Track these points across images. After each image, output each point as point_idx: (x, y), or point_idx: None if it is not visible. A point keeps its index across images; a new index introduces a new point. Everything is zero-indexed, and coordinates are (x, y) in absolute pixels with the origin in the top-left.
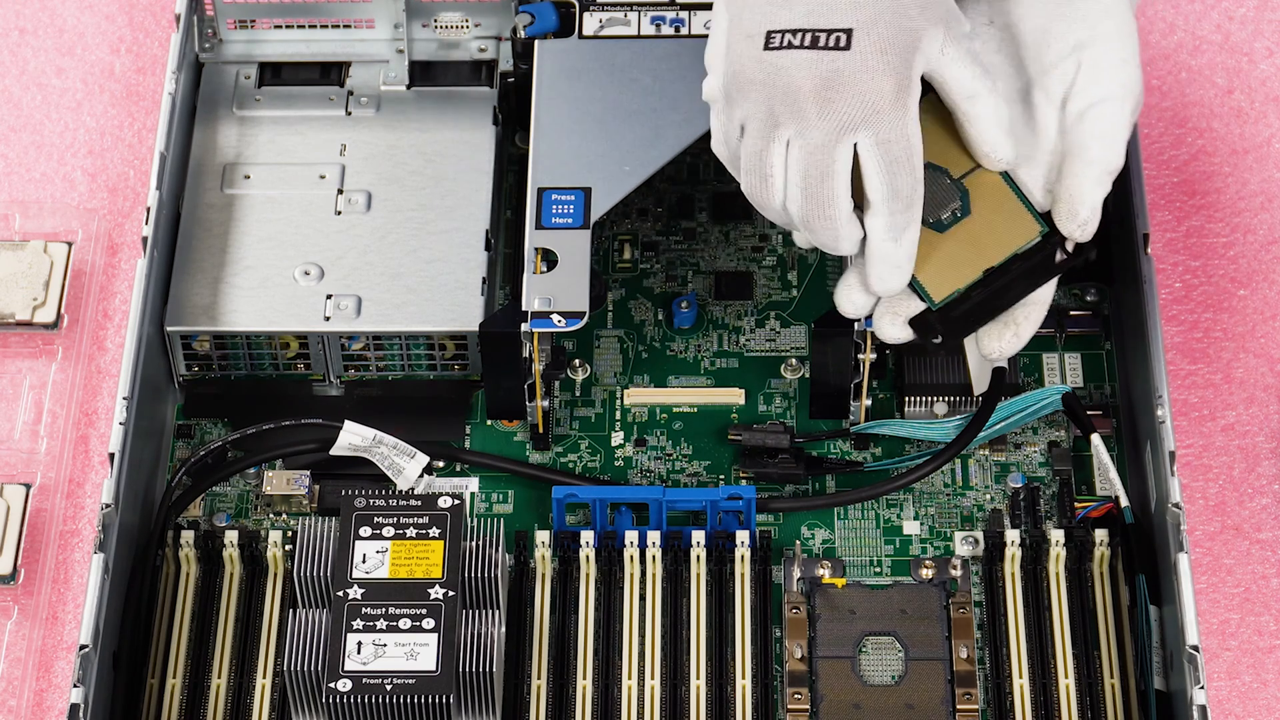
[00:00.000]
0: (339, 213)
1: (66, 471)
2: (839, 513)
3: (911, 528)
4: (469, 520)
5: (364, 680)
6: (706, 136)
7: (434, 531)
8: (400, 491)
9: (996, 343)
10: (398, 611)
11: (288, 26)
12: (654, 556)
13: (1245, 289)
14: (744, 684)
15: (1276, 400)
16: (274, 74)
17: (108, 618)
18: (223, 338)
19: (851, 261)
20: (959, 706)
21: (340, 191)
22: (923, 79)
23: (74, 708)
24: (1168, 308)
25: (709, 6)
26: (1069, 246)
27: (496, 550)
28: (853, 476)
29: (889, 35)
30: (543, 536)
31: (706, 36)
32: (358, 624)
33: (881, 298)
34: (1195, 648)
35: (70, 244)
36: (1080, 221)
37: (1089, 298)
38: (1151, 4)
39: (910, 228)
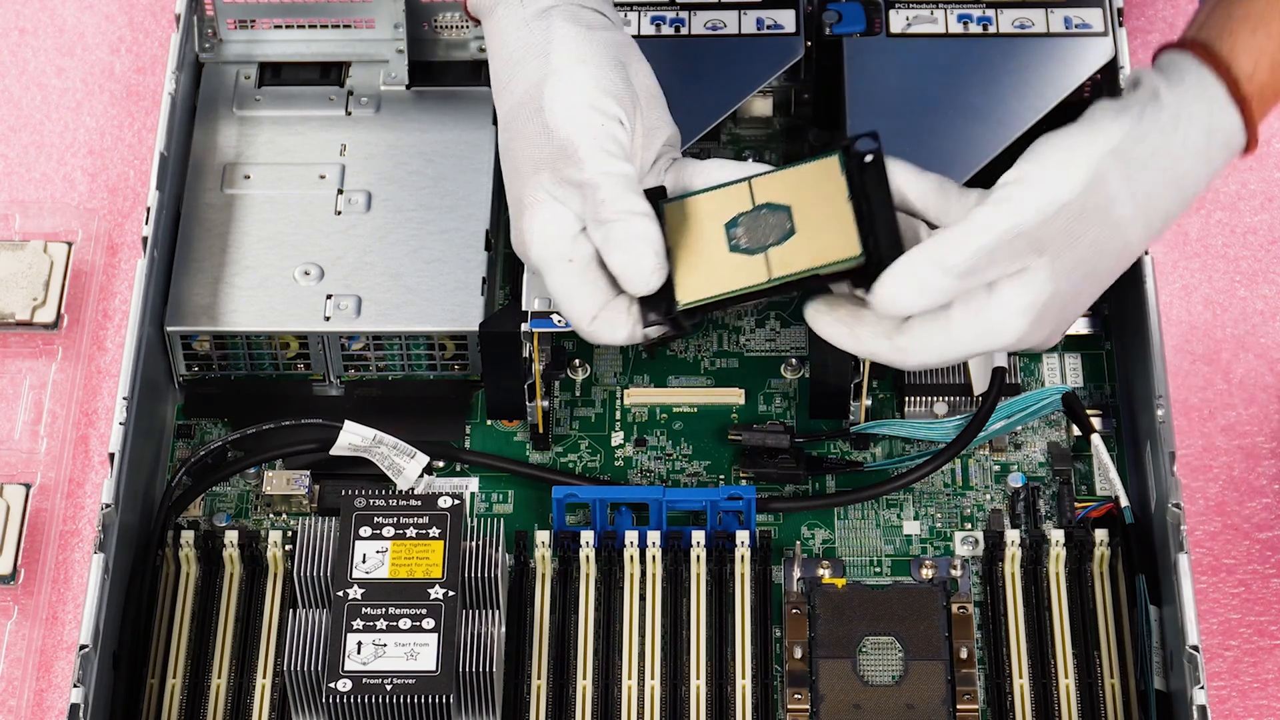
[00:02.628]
0: (339, 213)
1: (66, 471)
2: (839, 513)
3: (911, 528)
4: (469, 520)
5: (364, 680)
6: (707, 135)
7: (434, 531)
8: (400, 491)
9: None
10: (398, 611)
11: (288, 26)
12: (654, 556)
13: (1245, 289)
14: (744, 684)
15: (1276, 400)
16: (274, 74)
17: (108, 618)
18: (223, 338)
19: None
20: (959, 706)
21: (340, 191)
22: None
23: (74, 708)
24: (1168, 308)
25: (707, 6)
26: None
27: (496, 550)
28: (853, 476)
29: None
30: (543, 536)
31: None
32: (358, 624)
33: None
34: (1195, 648)
35: (70, 244)
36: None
37: None
38: (1152, 4)
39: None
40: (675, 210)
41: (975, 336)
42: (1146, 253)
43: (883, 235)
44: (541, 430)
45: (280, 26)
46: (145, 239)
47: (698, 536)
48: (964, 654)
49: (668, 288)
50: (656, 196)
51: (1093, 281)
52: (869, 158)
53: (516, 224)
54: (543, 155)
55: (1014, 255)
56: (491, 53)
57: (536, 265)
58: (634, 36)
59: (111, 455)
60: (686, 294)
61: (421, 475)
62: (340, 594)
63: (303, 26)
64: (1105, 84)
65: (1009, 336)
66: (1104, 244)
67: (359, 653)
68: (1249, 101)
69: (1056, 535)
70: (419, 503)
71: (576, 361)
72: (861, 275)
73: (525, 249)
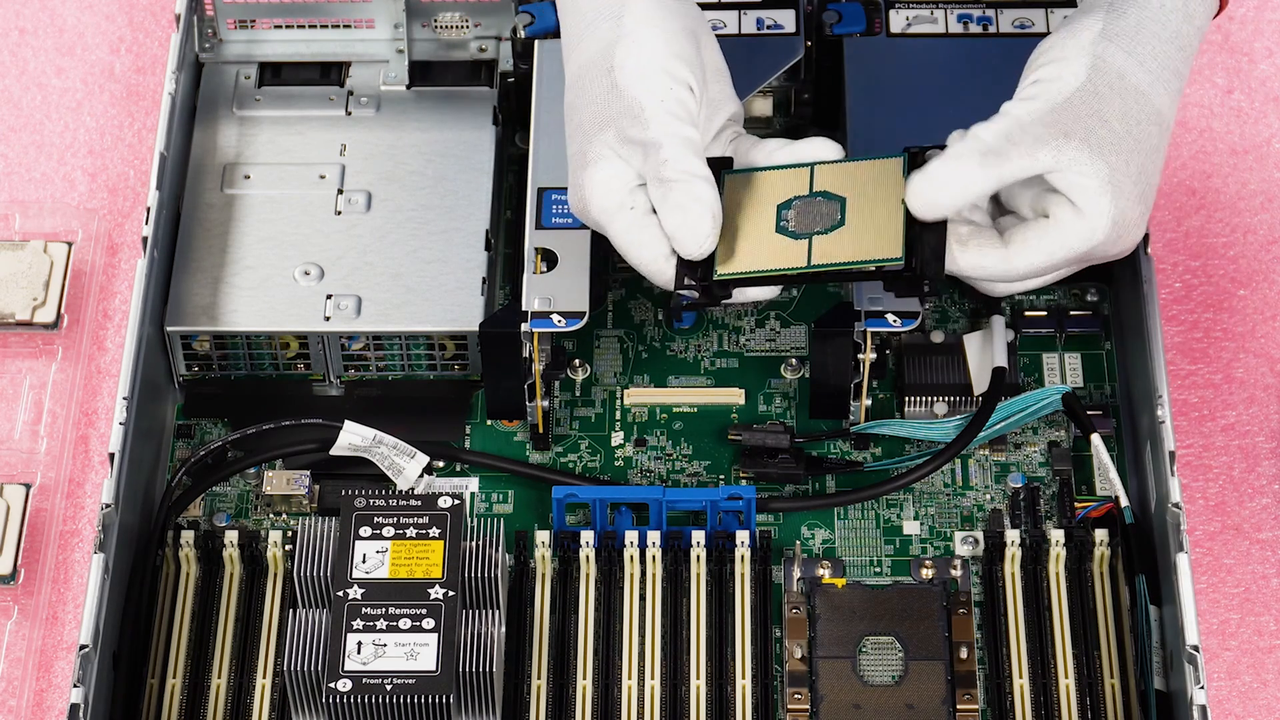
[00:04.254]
0: (339, 213)
1: (66, 471)
2: (839, 513)
3: (911, 528)
4: (469, 520)
5: (364, 680)
6: None
7: (434, 531)
8: (400, 491)
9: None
10: (398, 611)
11: (288, 26)
12: (654, 556)
13: (1245, 289)
14: (744, 684)
15: (1276, 400)
16: (274, 74)
17: (108, 618)
18: (223, 338)
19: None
20: (959, 706)
21: (340, 191)
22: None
23: (74, 708)
24: (1168, 308)
25: (707, 6)
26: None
27: (496, 550)
28: (853, 476)
29: None
30: (543, 536)
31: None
32: (358, 624)
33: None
34: (1195, 648)
35: (70, 244)
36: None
37: (1089, 298)
38: None
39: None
40: (735, 182)
41: (1074, 232)
42: (1147, 253)
43: (928, 243)
44: (541, 430)
45: (280, 26)
46: (145, 239)
47: (698, 536)
48: (964, 654)
49: (709, 257)
50: (720, 166)
51: (1145, 153)
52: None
53: (577, 178)
54: (609, 113)
55: (1036, 140)
56: (563, 12)
57: (598, 217)
58: None
59: (111, 455)
60: (725, 265)
61: (421, 475)
62: (340, 594)
63: (303, 26)
64: None
65: (1102, 219)
66: (1135, 113)
67: (359, 653)
68: None
69: (1056, 535)
70: (419, 503)
71: (576, 361)
72: (898, 279)
73: (585, 202)
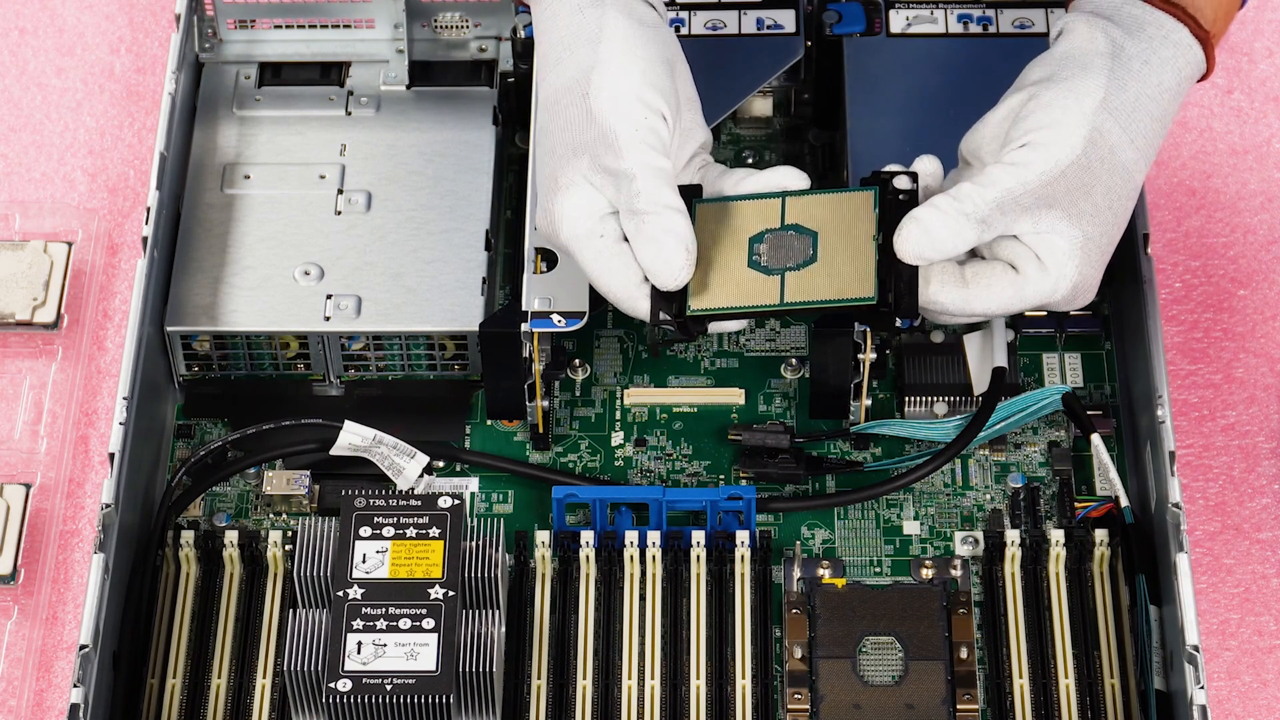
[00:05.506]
0: (339, 213)
1: (66, 471)
2: (839, 513)
3: (911, 528)
4: (469, 520)
5: (364, 680)
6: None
7: (434, 531)
8: (400, 491)
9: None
10: (398, 611)
11: (288, 26)
12: (654, 556)
13: (1245, 289)
14: (744, 684)
15: (1276, 400)
16: (274, 74)
17: (108, 618)
18: (223, 338)
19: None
20: (959, 706)
21: (340, 191)
22: None
23: (74, 708)
24: (1168, 308)
25: (707, 6)
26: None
27: (496, 550)
28: (853, 476)
29: None
30: (543, 536)
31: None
32: (358, 624)
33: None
34: (1195, 648)
35: (70, 244)
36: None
37: None
38: None
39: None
40: (706, 212)
41: (1036, 287)
42: (1147, 253)
43: (902, 280)
44: (541, 430)
45: (280, 26)
46: (145, 239)
47: (698, 536)
48: (964, 654)
49: (683, 290)
50: (691, 194)
51: (1117, 225)
52: (903, 196)
53: (547, 203)
54: (583, 140)
55: (1023, 209)
56: (539, 34)
57: (566, 243)
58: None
59: (111, 455)
60: (699, 300)
61: (421, 475)
62: (340, 594)
63: (303, 26)
64: None
65: (1065, 282)
66: (1117, 188)
67: (359, 653)
68: (1210, 38)
69: (1056, 535)
70: (419, 503)
71: (576, 361)
72: (872, 315)
73: (554, 228)
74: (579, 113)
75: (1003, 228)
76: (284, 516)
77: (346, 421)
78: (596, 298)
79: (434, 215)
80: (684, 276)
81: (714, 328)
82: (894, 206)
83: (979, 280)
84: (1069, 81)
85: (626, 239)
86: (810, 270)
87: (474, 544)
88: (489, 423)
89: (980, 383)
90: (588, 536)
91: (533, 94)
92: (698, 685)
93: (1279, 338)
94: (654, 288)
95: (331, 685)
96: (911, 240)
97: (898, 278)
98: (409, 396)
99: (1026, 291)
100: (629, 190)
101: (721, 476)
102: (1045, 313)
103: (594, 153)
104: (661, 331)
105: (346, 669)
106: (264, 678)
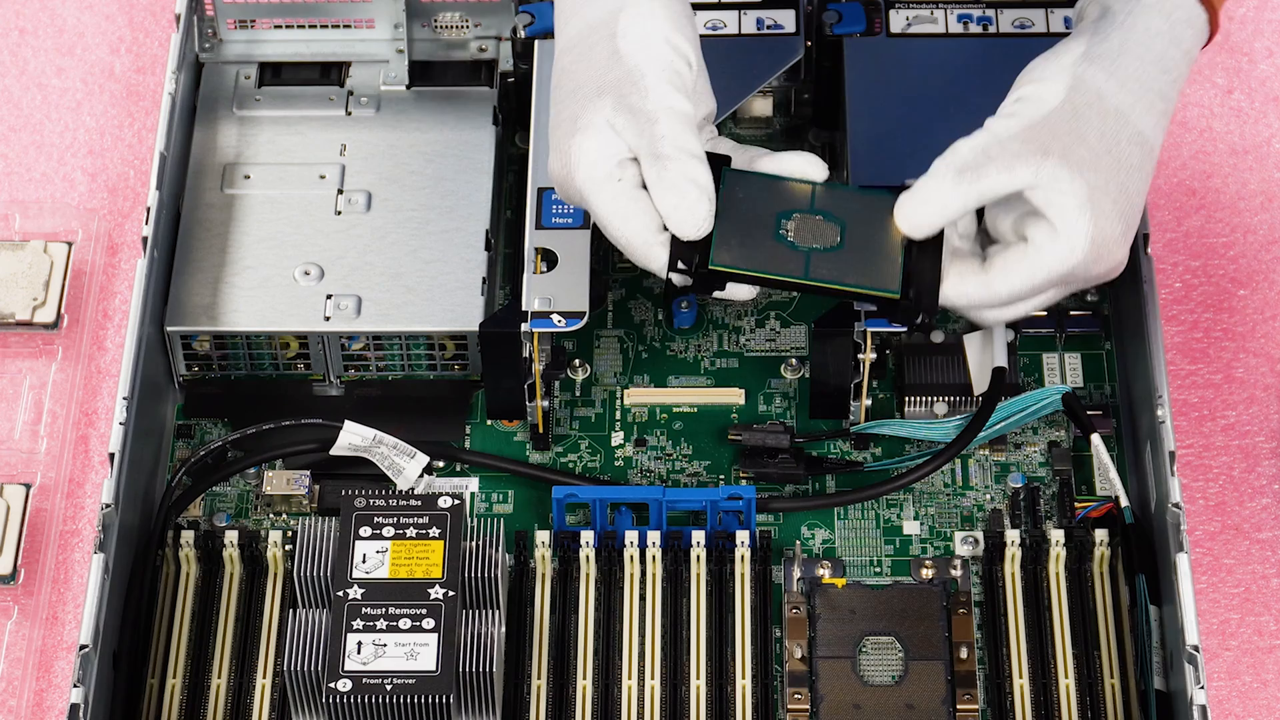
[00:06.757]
0: (339, 213)
1: (66, 471)
2: (839, 513)
3: (911, 528)
4: (469, 520)
5: (364, 680)
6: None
7: (434, 531)
8: (400, 491)
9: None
10: (398, 611)
11: (288, 26)
12: (654, 556)
13: (1245, 289)
14: (744, 684)
15: (1276, 400)
16: (274, 74)
17: (108, 618)
18: (223, 338)
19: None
20: (959, 706)
21: (340, 191)
22: None
23: (74, 708)
24: (1168, 308)
25: (707, 6)
26: (917, 320)
27: (496, 550)
28: (853, 476)
29: None
30: (543, 536)
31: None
32: (358, 624)
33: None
34: (1195, 648)
35: (70, 244)
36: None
37: (1089, 298)
38: None
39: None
40: (735, 179)
41: (1052, 252)
42: (1147, 253)
43: (924, 276)
44: (541, 430)
45: (280, 26)
46: (145, 239)
47: (698, 536)
48: (964, 654)
49: (705, 243)
50: (719, 164)
51: (1126, 172)
52: None
53: (563, 145)
54: (608, 80)
55: (1015, 155)
56: None
57: (581, 186)
58: None
59: (111, 455)
60: (722, 257)
61: (421, 475)
62: (340, 594)
63: (303, 26)
64: None
65: (1079, 240)
66: (1114, 133)
67: (359, 653)
68: None
69: (1056, 535)
70: (419, 503)
71: (576, 361)
72: (894, 308)
73: (570, 170)
74: (604, 52)
75: (997, 178)
76: (284, 516)
77: (346, 421)
78: (597, 297)
79: (434, 215)
80: (706, 226)
81: (730, 289)
82: None
83: (995, 262)
84: (1055, 46)
85: (644, 187)
86: (837, 255)
87: (474, 544)
88: (489, 423)
89: (980, 383)
90: (588, 536)
91: (555, 35)
92: (698, 685)
93: (1279, 338)
94: (674, 237)
95: (331, 685)
96: (905, 206)
97: (920, 276)
98: (409, 396)
99: (1045, 259)
100: (652, 134)
101: (721, 476)
102: (1046, 313)
103: (619, 92)
104: (676, 284)
105: (346, 669)
106: (264, 678)
